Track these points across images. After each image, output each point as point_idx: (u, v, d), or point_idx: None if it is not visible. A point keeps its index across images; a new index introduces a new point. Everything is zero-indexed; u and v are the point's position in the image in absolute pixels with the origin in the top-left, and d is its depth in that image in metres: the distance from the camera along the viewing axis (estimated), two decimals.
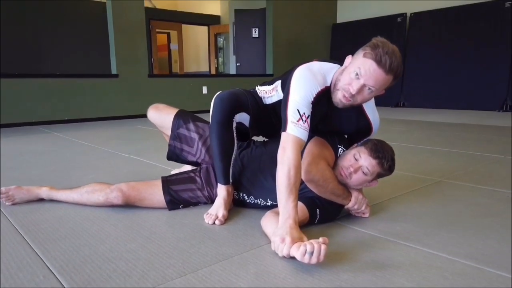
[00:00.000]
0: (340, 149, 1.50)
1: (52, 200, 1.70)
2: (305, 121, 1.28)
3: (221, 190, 1.53)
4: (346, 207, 1.46)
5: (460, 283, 1.02)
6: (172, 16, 9.47)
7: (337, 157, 1.49)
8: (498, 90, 5.92)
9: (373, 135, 1.54)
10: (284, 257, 1.13)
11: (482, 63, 6.06)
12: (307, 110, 1.30)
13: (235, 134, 1.49)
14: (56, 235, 1.35)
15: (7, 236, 1.35)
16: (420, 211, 1.59)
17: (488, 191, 1.87)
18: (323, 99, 1.36)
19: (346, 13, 7.92)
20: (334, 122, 1.48)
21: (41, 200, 1.71)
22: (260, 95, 1.58)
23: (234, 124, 1.48)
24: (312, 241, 1.06)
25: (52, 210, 1.61)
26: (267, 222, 1.33)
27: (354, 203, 1.44)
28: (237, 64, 7.73)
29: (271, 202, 1.52)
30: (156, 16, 9.03)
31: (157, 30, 9.56)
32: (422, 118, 5.25)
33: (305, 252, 1.04)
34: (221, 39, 10.15)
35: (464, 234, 1.35)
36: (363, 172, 1.38)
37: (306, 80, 1.32)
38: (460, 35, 6.30)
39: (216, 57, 10.24)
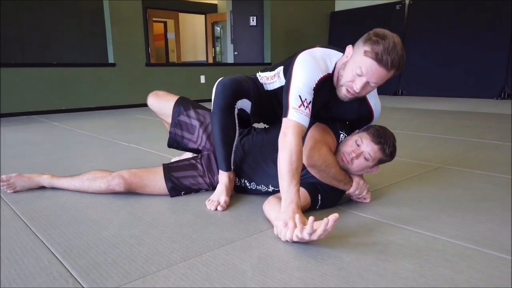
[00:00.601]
0: (341, 134, 1.50)
1: (53, 188, 1.70)
2: (307, 107, 1.28)
3: (223, 177, 1.53)
4: (347, 192, 1.47)
5: (461, 264, 1.03)
6: (169, 5, 9.37)
7: (338, 142, 1.49)
8: (496, 78, 5.92)
9: (375, 122, 1.55)
10: (287, 241, 1.14)
11: (480, 51, 6.05)
12: (309, 96, 1.29)
13: (236, 121, 1.49)
14: (59, 222, 1.36)
15: (9, 223, 1.35)
16: (421, 196, 1.60)
17: (487, 176, 1.89)
18: (325, 85, 1.36)
19: (344, 1, 7.86)
20: (336, 109, 1.48)
21: (42, 188, 1.72)
22: (261, 81, 1.57)
23: (236, 111, 1.47)
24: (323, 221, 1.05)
25: (53, 197, 1.62)
26: (270, 207, 1.33)
27: (355, 188, 1.45)
28: (235, 53, 7.67)
29: (273, 188, 1.53)
30: (153, 4, 8.92)
31: (154, 19, 9.45)
32: (420, 106, 5.26)
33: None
34: (218, 28, 10.06)
35: (464, 218, 1.36)
36: (365, 158, 1.39)
37: (309, 66, 1.32)
38: (458, 23, 6.28)
39: (214, 46, 10.16)
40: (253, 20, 7.38)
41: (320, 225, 1.05)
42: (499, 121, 3.71)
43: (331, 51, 1.39)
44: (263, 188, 1.57)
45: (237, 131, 1.51)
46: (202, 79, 6.51)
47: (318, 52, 1.37)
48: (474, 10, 6.12)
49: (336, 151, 1.47)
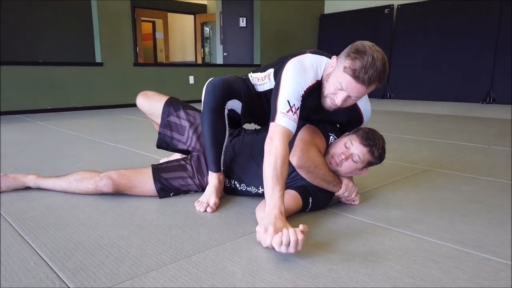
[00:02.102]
0: (331, 136, 1.51)
1: (39, 188, 1.67)
2: (295, 112, 1.28)
3: (212, 178, 1.53)
4: (336, 194, 1.48)
5: (448, 265, 1.04)
6: (158, 4, 9.31)
7: (328, 144, 1.50)
8: (482, 83, 6.04)
9: (365, 125, 1.56)
10: (267, 247, 1.11)
11: (467, 56, 6.16)
12: (297, 102, 1.30)
13: (227, 121, 1.48)
14: (45, 223, 1.34)
15: None
16: (409, 198, 1.62)
17: (473, 179, 1.92)
18: (314, 93, 1.36)
19: (333, 4, 7.92)
20: (325, 113, 1.48)
21: (28, 188, 1.68)
22: (252, 82, 1.57)
23: (226, 111, 1.47)
24: (290, 230, 1.04)
25: (39, 198, 1.59)
26: (259, 211, 1.33)
27: (344, 190, 1.46)
28: (224, 54, 7.66)
29: (263, 190, 1.52)
30: (141, 4, 8.85)
31: (142, 18, 9.38)
32: (408, 109, 5.32)
33: (281, 243, 1.03)
34: (208, 29, 10.04)
35: (451, 220, 1.38)
36: (354, 160, 1.40)
37: (298, 74, 1.32)
38: (446, 27, 6.39)
39: (203, 46, 10.13)
40: (242, 21, 7.38)
41: (291, 236, 1.03)
42: (485, 125, 3.78)
43: (321, 58, 1.39)
44: (253, 189, 1.56)
45: (227, 132, 1.50)
46: (191, 79, 6.48)
47: (308, 59, 1.37)
48: (461, 15, 6.22)
49: (325, 153, 1.47)
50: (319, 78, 1.37)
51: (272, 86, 1.45)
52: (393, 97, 6.99)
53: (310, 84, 1.33)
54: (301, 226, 1.06)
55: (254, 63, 7.26)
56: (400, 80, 6.83)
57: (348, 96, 1.28)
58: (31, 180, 1.67)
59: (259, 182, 1.52)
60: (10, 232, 1.26)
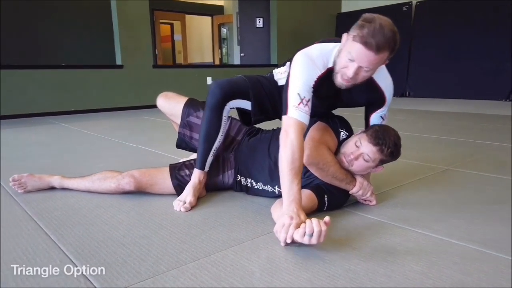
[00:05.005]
0: (342, 132, 1.51)
1: (63, 189, 1.72)
2: (306, 104, 1.28)
3: (194, 176, 1.56)
4: (351, 192, 1.47)
5: (469, 267, 1.03)
6: (176, 7, 9.42)
7: (339, 140, 1.50)
8: (504, 80, 5.88)
9: (388, 103, 1.49)
10: (287, 242, 1.12)
11: (488, 53, 6.01)
12: (307, 94, 1.30)
13: (223, 123, 1.52)
14: (70, 222, 1.38)
15: (21, 223, 1.38)
16: (428, 198, 1.60)
17: (495, 178, 1.88)
18: (327, 81, 1.35)
19: (350, 2, 7.86)
20: (346, 98, 1.47)
21: (52, 188, 1.74)
22: (276, 77, 1.59)
23: (226, 113, 1.51)
24: (314, 221, 1.06)
25: (64, 198, 1.64)
26: (275, 209, 1.35)
27: (358, 188, 1.45)
28: (241, 54, 7.69)
29: (279, 190, 1.53)
30: (160, 6, 8.97)
31: (161, 20, 9.52)
32: (427, 107, 5.23)
33: (304, 234, 1.06)
34: (225, 30, 10.10)
35: (472, 220, 1.36)
36: (364, 159, 1.39)
37: (305, 66, 1.32)
38: (465, 24, 6.25)
39: (220, 47, 10.19)
40: (259, 22, 7.40)
41: (315, 226, 1.05)
42: (507, 123, 3.68)
43: (329, 45, 1.37)
44: (269, 188, 1.57)
45: (221, 132, 1.54)
46: (209, 80, 6.53)
47: (315, 49, 1.37)
48: (482, 11, 6.08)
49: (337, 152, 1.47)
50: (330, 65, 1.35)
51: None
52: (412, 95, 6.88)
53: (320, 73, 1.33)
54: (326, 218, 1.07)
55: (271, 63, 7.27)
56: (419, 78, 6.72)
57: (360, 67, 1.24)
58: (55, 180, 1.72)
59: (276, 182, 1.53)
60: (36, 231, 1.31)
